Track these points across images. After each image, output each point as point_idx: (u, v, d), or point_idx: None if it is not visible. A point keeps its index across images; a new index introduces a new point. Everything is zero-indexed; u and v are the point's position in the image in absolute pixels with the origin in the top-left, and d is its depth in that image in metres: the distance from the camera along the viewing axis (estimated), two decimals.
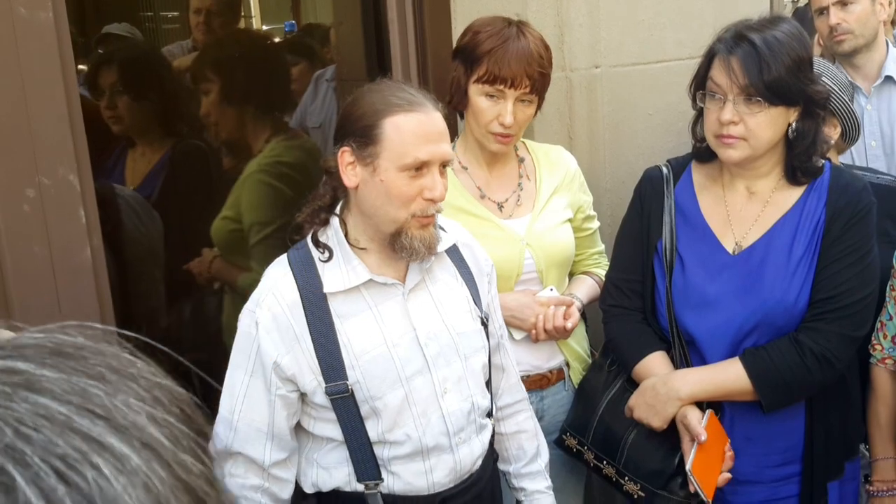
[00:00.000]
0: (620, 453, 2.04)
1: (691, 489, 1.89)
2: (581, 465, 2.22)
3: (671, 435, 1.96)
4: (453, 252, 1.77)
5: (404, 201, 1.58)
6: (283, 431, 1.64)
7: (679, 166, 2.10)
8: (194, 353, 2.57)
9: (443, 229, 1.74)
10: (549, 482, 1.98)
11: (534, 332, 2.12)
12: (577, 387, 2.25)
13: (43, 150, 1.72)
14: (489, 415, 1.82)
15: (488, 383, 1.81)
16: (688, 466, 1.88)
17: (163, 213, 2.57)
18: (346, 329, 1.61)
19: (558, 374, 2.26)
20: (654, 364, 2.03)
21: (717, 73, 1.89)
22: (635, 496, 2.02)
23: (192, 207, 2.68)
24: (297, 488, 1.73)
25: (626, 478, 2.03)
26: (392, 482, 1.67)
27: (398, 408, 1.63)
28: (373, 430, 1.64)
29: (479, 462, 1.77)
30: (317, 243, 1.65)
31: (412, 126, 1.56)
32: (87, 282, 1.78)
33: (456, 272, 1.77)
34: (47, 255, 1.72)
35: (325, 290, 1.61)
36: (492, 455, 1.86)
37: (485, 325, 1.78)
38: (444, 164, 1.61)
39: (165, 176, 2.62)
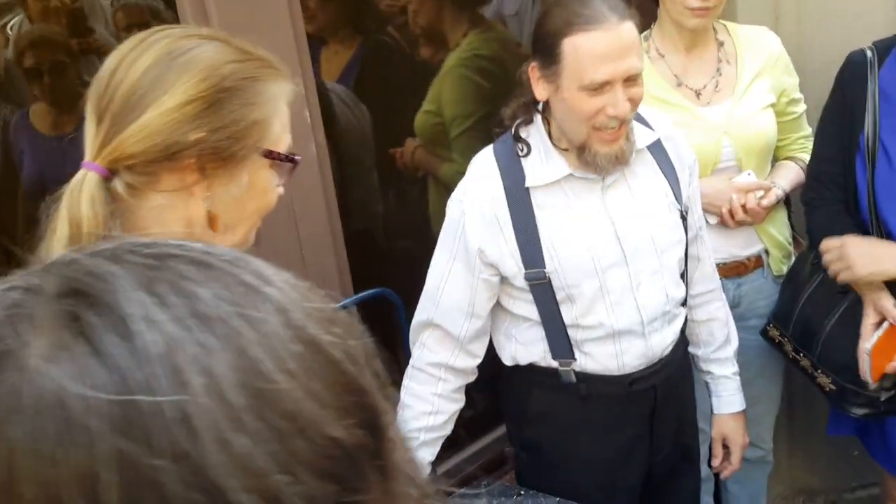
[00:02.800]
0: (816, 345, 2.04)
1: (862, 369, 1.87)
2: (781, 356, 2.24)
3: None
4: (655, 146, 1.78)
5: (586, 118, 1.61)
6: (482, 311, 1.78)
7: (885, 48, 1.95)
8: (402, 240, 2.77)
9: (646, 125, 1.77)
10: (736, 368, 2.03)
11: (727, 215, 2.12)
12: (783, 275, 2.24)
13: (271, 53, 1.89)
14: (683, 303, 1.87)
15: (683, 274, 1.85)
16: (868, 346, 1.86)
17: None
18: (546, 220, 1.70)
19: (756, 262, 2.25)
20: None
21: None
22: (827, 389, 2.03)
23: (387, 100, 2.82)
24: (491, 364, 1.89)
25: (820, 371, 2.03)
26: (584, 361, 1.78)
27: (593, 296, 1.72)
28: (567, 314, 1.74)
29: (670, 348, 1.83)
30: (517, 138, 1.73)
31: (590, 46, 1.56)
32: (313, 174, 1.97)
33: (657, 167, 1.78)
34: None
35: (527, 184, 1.70)
36: (683, 340, 1.92)
37: (684, 218, 1.80)
38: (629, 79, 1.59)
39: (358, 71, 2.77)
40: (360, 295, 1.98)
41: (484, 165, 1.76)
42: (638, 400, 1.83)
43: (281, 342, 0.46)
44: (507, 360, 1.85)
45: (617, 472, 1.87)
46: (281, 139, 1.13)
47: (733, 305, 2.25)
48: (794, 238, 2.36)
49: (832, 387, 2.02)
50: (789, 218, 2.36)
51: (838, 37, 2.44)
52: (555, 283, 1.71)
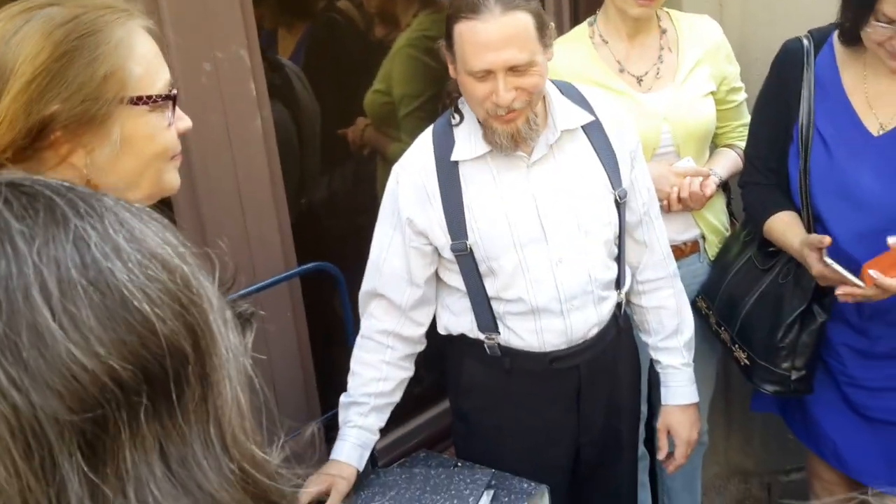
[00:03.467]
0: (735, 320, 2.10)
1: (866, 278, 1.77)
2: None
3: (781, 310, 1.99)
4: (594, 128, 1.79)
5: (477, 101, 1.67)
6: (420, 279, 1.83)
7: (822, 37, 1.99)
8: (353, 217, 2.78)
9: (587, 106, 1.78)
10: (685, 359, 2.01)
11: (666, 202, 2.17)
12: (712, 258, 2.30)
13: (217, 26, 1.89)
14: (619, 287, 1.88)
15: (620, 257, 1.87)
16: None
17: (311, 82, 2.74)
18: (471, 193, 1.75)
19: (692, 246, 2.30)
20: (785, 218, 1.99)
21: (889, 6, 1.68)
22: (742, 364, 2.10)
23: (339, 79, 2.83)
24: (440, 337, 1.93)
25: (737, 345, 2.10)
26: (507, 335, 1.83)
27: (513, 271, 1.77)
28: (490, 287, 1.80)
29: (595, 330, 1.85)
30: (456, 109, 1.79)
31: (470, 35, 1.60)
32: (258, 149, 1.98)
33: (591, 148, 1.79)
34: (223, 123, 1.92)
35: (452, 157, 1.75)
36: (616, 325, 1.91)
37: (619, 202, 1.82)
38: (514, 69, 1.60)
39: (308, 49, 2.78)
40: (301, 268, 2.00)
41: (421, 138, 1.81)
42: (561, 378, 1.86)
43: (126, 248, 0.56)
44: (441, 330, 1.91)
45: (543, 450, 1.90)
46: (146, 80, 1.08)
47: None
48: (731, 224, 2.41)
49: (746, 362, 2.08)
50: (728, 204, 2.41)
51: (781, 26, 2.49)
52: (476, 255, 1.76)
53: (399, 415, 2.44)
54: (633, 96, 2.18)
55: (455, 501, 1.70)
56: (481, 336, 1.85)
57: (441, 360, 2.01)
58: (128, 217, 0.58)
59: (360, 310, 1.91)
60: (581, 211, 1.78)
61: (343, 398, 1.88)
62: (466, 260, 1.77)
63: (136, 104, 1.07)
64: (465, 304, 1.83)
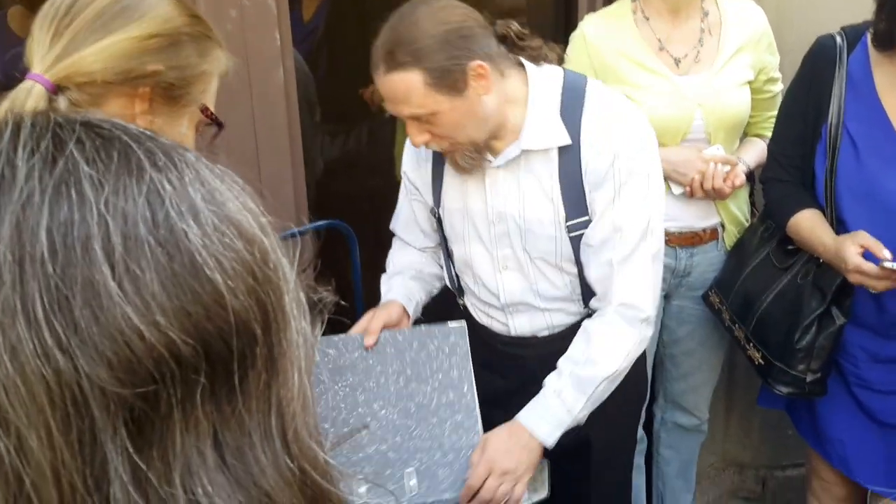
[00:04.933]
0: (752, 318, 2.06)
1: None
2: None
3: (799, 312, 1.95)
4: (568, 151, 1.64)
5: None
6: (428, 229, 1.90)
7: (855, 35, 1.90)
8: (371, 178, 2.75)
9: (575, 124, 1.63)
10: (561, 395, 1.64)
11: (688, 189, 2.13)
12: (730, 248, 2.27)
13: None
14: (585, 303, 1.75)
15: (581, 276, 1.72)
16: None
17: (331, 43, 2.70)
18: (448, 170, 1.75)
19: (711, 234, 2.26)
20: (813, 216, 1.92)
21: None
22: (756, 363, 2.07)
23: (360, 38, 2.79)
24: None
25: (752, 344, 2.06)
26: (469, 305, 1.90)
27: (463, 262, 1.82)
28: (451, 247, 1.85)
29: (545, 333, 1.80)
30: None
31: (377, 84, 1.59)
32: (278, 99, 1.94)
33: (555, 171, 1.65)
34: (245, 72, 1.88)
35: None
36: (573, 335, 1.72)
37: (569, 233, 1.67)
38: (417, 118, 1.56)
39: (329, 8, 2.74)
40: (313, 224, 1.97)
41: None
42: (513, 359, 1.85)
43: (204, 212, 0.50)
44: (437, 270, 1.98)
45: (493, 413, 1.74)
46: (211, 100, 1.19)
47: (684, 274, 2.28)
48: (753, 215, 2.37)
49: (761, 361, 2.05)
50: (751, 194, 2.37)
51: (817, 15, 2.42)
52: (443, 227, 1.83)
53: None
54: (668, 77, 2.12)
55: (449, 392, 1.66)
56: (453, 291, 1.92)
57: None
58: (209, 176, 0.52)
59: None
60: (526, 231, 1.71)
61: (383, 277, 1.94)
62: (438, 225, 1.84)
63: (202, 112, 1.16)
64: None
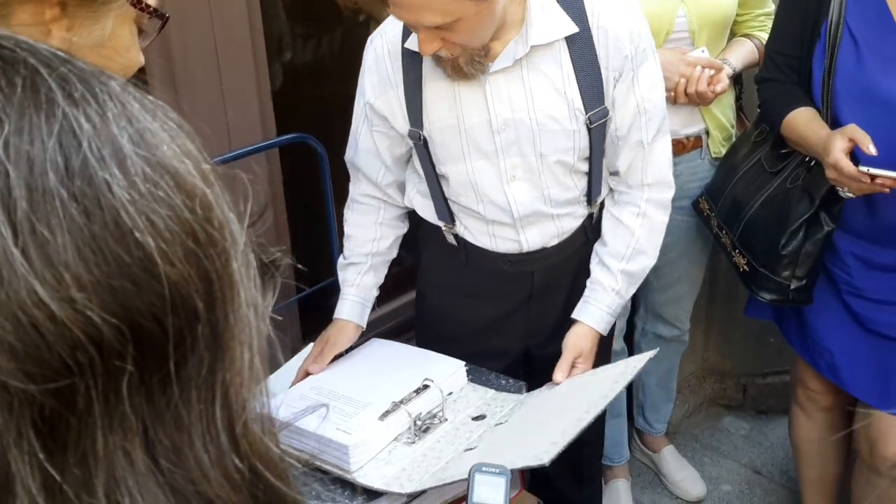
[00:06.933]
0: (738, 225, 2.01)
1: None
2: (708, 235, 2.23)
3: (787, 217, 1.90)
4: (578, 39, 1.58)
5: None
6: (390, 161, 1.76)
7: None
8: (338, 87, 2.64)
9: (579, 11, 1.57)
10: (618, 287, 1.75)
11: (672, 93, 2.04)
12: (720, 157, 2.20)
13: None
14: (590, 202, 1.74)
15: (591, 174, 1.71)
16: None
17: None
18: (428, 86, 1.62)
19: (695, 142, 2.20)
20: (808, 114, 1.85)
21: None
22: (741, 269, 2.03)
23: None
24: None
25: (737, 250, 2.02)
26: (463, 231, 1.77)
27: (462, 182, 1.68)
28: (444, 187, 1.71)
29: (555, 241, 1.75)
30: None
31: None
32: (240, 5, 1.82)
33: (569, 64, 1.58)
34: None
35: (406, 44, 1.60)
36: (584, 235, 1.78)
37: (590, 126, 1.63)
38: (437, 27, 1.43)
39: None
40: (280, 139, 1.88)
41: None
42: (515, 279, 1.79)
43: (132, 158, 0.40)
44: (408, 204, 1.83)
45: (493, 338, 1.85)
46: None
47: None
48: (739, 120, 2.30)
49: (746, 268, 2.01)
50: (738, 98, 2.29)
51: None
52: (430, 150, 1.67)
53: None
54: None
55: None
56: (441, 224, 1.78)
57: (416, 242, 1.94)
58: (138, 111, 0.42)
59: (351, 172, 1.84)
60: (539, 132, 1.62)
61: (340, 260, 1.85)
62: (422, 150, 1.68)
63: (135, 6, 0.96)
64: (427, 187, 1.76)
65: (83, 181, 0.38)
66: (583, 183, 1.71)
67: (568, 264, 1.79)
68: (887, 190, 1.67)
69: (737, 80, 2.21)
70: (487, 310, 1.83)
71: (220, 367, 0.42)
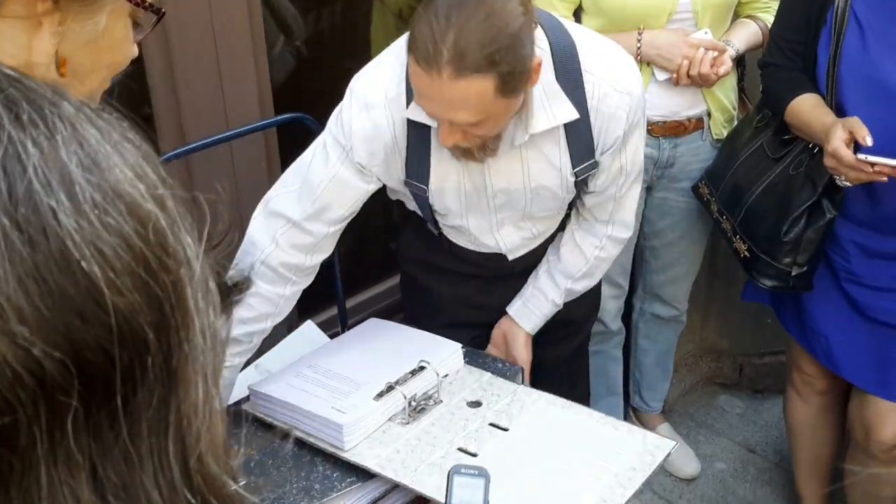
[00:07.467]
0: (739, 210, 2.01)
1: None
2: (708, 217, 2.22)
3: (789, 203, 1.89)
4: (576, 123, 1.56)
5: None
6: (356, 207, 1.65)
7: None
8: (344, 62, 2.61)
9: (580, 98, 1.53)
10: (559, 302, 1.83)
11: (674, 75, 2.03)
12: (722, 139, 2.18)
13: None
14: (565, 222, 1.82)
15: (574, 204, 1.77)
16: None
17: None
18: (436, 157, 1.58)
19: (696, 123, 2.18)
20: (812, 100, 1.84)
21: None
22: (741, 255, 2.02)
23: None
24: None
25: (738, 236, 2.02)
26: (447, 232, 1.79)
27: (454, 224, 1.72)
28: (437, 217, 1.72)
29: (537, 243, 1.82)
30: None
31: (416, 79, 1.38)
32: None
33: (563, 141, 1.58)
34: None
35: (411, 116, 1.51)
36: (561, 228, 1.85)
37: (576, 178, 1.63)
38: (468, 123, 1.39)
39: None
40: (277, 119, 1.87)
41: (391, 59, 1.54)
42: (492, 266, 1.82)
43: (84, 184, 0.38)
44: (391, 195, 1.78)
45: (474, 311, 1.87)
46: None
47: (666, 165, 2.21)
48: (741, 102, 2.28)
49: (746, 254, 2.01)
50: (741, 80, 2.27)
51: None
52: (429, 199, 1.65)
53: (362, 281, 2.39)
54: None
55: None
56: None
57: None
58: (92, 135, 0.40)
59: (262, 220, 1.61)
60: (532, 199, 1.66)
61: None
62: (420, 198, 1.66)
63: (130, 0, 0.93)
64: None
65: (28, 208, 0.36)
66: (560, 221, 1.81)
67: (544, 246, 1.85)
68: (885, 178, 1.66)
69: (739, 61, 2.18)
70: (466, 285, 1.85)
71: (174, 398, 0.41)
